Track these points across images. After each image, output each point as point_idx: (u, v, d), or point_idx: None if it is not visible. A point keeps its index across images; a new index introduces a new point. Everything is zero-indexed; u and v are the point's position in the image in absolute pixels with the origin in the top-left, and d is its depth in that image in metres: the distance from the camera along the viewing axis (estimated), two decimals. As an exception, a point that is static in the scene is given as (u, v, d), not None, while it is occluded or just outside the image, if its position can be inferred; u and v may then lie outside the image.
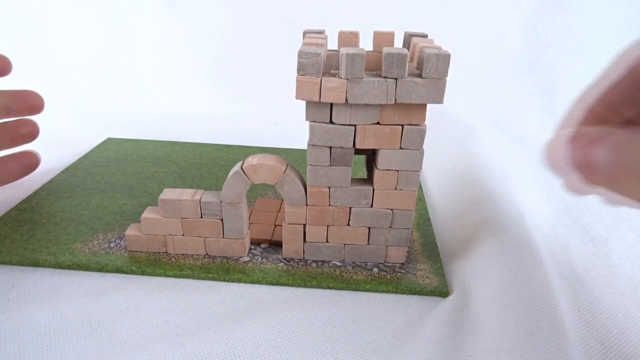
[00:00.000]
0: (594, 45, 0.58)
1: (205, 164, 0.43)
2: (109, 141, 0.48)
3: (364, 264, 0.30)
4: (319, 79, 0.24)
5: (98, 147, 0.46)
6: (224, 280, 0.28)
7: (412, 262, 0.30)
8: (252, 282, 0.28)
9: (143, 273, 0.28)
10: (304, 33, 0.30)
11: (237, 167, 0.28)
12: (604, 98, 0.19)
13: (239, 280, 0.28)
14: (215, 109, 0.59)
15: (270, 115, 0.57)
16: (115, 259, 0.29)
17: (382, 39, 0.30)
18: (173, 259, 0.29)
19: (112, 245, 0.31)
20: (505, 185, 0.38)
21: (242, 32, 0.67)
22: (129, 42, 0.67)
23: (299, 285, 0.28)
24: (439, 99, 0.25)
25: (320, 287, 0.28)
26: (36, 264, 0.28)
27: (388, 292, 0.28)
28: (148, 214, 0.29)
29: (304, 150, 0.46)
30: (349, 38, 0.29)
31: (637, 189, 0.17)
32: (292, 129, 0.52)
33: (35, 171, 0.40)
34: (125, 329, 0.24)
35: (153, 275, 0.28)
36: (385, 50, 0.24)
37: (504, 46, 0.63)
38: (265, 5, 0.65)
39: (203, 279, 0.28)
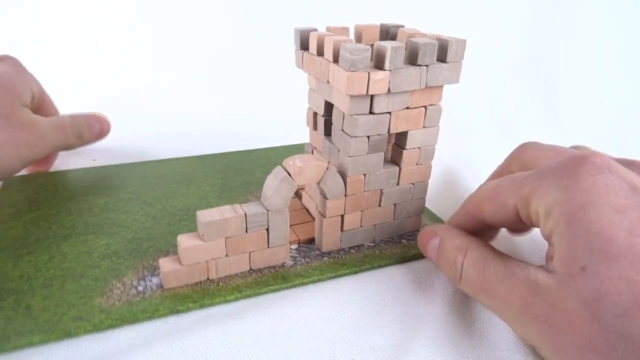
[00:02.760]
0: (595, 45, 0.60)
1: (158, 183, 0.39)
2: (13, 181, 0.38)
3: (391, 239, 0.33)
4: (367, 73, 0.25)
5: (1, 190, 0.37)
6: (285, 288, 0.28)
7: (423, 227, 0.34)
8: (314, 282, 0.28)
9: (202, 306, 0.26)
10: (296, 31, 0.30)
11: (280, 173, 0.27)
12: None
13: (301, 284, 0.28)
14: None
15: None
16: (162, 300, 0.26)
17: (368, 32, 0.32)
18: (221, 284, 0.27)
19: (140, 289, 0.27)
20: None
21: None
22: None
23: (354, 273, 0.29)
24: (456, 80, 0.28)
25: (373, 268, 0.30)
26: (67, 334, 0.23)
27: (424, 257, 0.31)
28: (187, 242, 0.26)
29: (258, 150, 0.45)
30: (340, 32, 0.31)
31: (448, 273, 0.25)
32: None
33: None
34: None
35: (212, 306, 0.26)
36: (418, 40, 0.26)
37: (505, 46, 0.63)
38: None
39: (265, 293, 0.27)
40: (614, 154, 0.43)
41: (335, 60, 0.26)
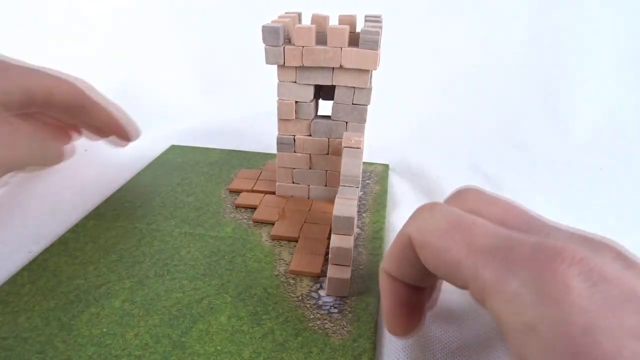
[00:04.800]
0: (595, 46, 0.60)
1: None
2: None
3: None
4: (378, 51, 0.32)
5: None
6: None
7: None
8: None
9: None
10: (274, 28, 0.31)
11: (354, 152, 0.30)
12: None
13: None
14: None
15: None
16: (361, 298, 0.26)
17: (346, 20, 0.35)
18: (361, 267, 0.29)
19: (335, 310, 0.25)
20: (502, 187, 0.42)
21: None
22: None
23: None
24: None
25: None
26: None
27: None
28: (346, 243, 0.27)
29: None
30: (295, 20, 0.34)
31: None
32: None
33: None
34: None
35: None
36: (379, 21, 0.34)
37: (504, 48, 0.60)
38: None
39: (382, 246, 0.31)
40: (614, 153, 0.50)
41: (352, 44, 0.31)
